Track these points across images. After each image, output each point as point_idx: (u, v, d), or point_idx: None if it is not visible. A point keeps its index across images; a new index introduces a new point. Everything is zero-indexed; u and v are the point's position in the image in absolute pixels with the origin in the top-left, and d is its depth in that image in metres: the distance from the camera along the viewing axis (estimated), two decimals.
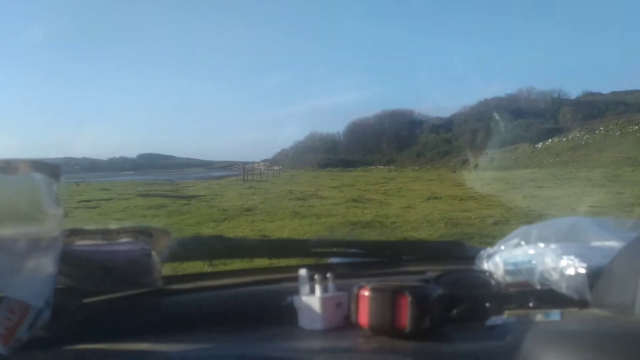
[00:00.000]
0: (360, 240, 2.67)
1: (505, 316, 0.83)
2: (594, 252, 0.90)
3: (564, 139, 48.82)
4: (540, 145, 48.88)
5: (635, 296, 0.68)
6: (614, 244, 0.94)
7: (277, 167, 57.80)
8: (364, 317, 0.80)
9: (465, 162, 51.07)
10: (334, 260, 1.40)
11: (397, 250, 1.45)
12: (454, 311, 0.84)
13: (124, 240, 0.94)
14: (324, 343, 0.82)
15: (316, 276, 0.88)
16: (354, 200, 13.46)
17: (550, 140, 50.05)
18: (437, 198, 16.19)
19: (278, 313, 0.91)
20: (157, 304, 1.00)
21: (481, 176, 30.61)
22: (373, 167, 67.64)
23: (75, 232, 0.90)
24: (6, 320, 0.74)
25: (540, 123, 74.03)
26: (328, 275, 0.89)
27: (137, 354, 0.78)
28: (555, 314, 0.79)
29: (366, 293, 0.80)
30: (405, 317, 0.75)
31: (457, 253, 1.40)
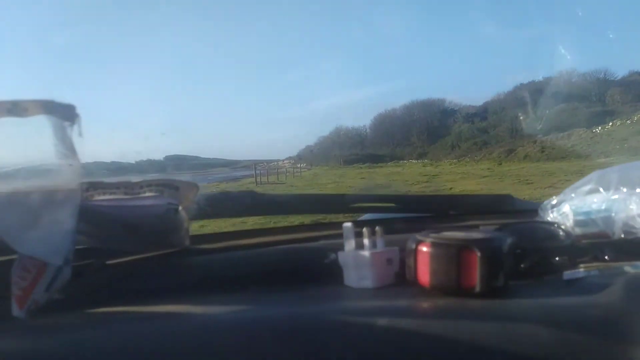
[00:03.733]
0: (403, 195, 2.10)
1: (583, 269, 0.74)
2: None
3: (628, 122, 42.51)
4: (599, 129, 42.65)
5: None
6: None
7: (299, 165, 53.48)
8: (424, 275, 0.68)
9: (511, 152, 45.30)
10: (368, 216, 1.30)
11: (443, 204, 1.35)
12: (522, 265, 0.74)
13: (149, 194, 0.86)
14: (378, 302, 0.70)
15: (364, 230, 0.77)
16: None
17: (610, 124, 43.78)
18: None
19: (321, 271, 0.81)
20: (186, 264, 0.91)
21: (546, 168, 25.17)
22: (404, 161, 62.21)
23: (94, 186, 0.83)
24: (20, 279, 0.68)
25: (587, 106, 68.41)
26: (377, 228, 0.79)
27: (166, 316, 0.67)
28: None
29: (425, 249, 0.69)
30: (475, 275, 0.64)
31: (510, 207, 1.29)
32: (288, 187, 23.04)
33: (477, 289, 0.63)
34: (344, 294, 0.75)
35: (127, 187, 0.85)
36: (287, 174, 37.10)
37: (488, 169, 30.00)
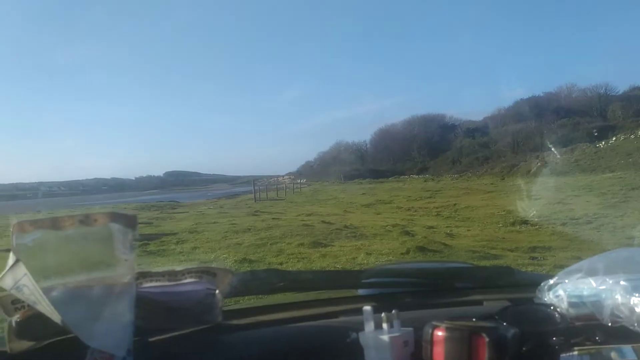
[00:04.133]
0: (409, 269, 1.88)
1: (577, 353, 0.81)
2: None
3: (631, 136, 42.00)
4: (602, 144, 42.15)
5: None
6: None
7: (299, 181, 52.96)
8: (439, 358, 0.78)
9: (513, 167, 44.75)
10: (362, 292, 1.39)
11: (447, 277, 1.43)
12: (524, 348, 0.82)
13: (189, 280, 0.96)
14: None
15: (383, 315, 0.86)
16: (419, 248, 7.38)
17: (614, 138, 43.29)
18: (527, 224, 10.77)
19: (343, 350, 0.91)
20: (219, 343, 0.99)
21: (552, 183, 24.61)
22: (405, 176, 61.60)
23: (142, 275, 0.92)
24: None
25: (588, 122, 68.03)
26: (394, 311, 0.88)
27: None
28: (628, 351, 0.78)
29: (440, 333, 0.78)
30: (483, 359, 0.74)
31: (508, 279, 1.37)
32: (288, 203, 22.54)
33: None
34: None
35: (171, 275, 0.94)
36: (287, 189, 36.60)
37: (491, 184, 29.47)
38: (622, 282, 0.91)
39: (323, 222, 11.62)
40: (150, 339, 0.94)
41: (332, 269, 6.07)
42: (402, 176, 62.72)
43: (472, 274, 1.57)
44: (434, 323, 0.80)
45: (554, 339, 0.86)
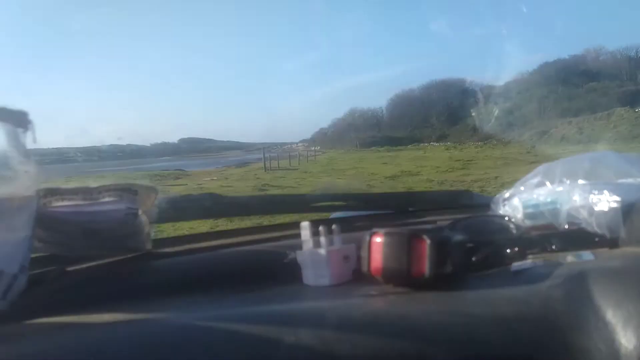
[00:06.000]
0: (364, 193, 2.01)
1: (530, 260, 0.76)
2: (626, 187, 0.83)
3: None
4: None
5: None
6: None
7: (313, 149, 50.56)
8: (376, 264, 0.71)
9: (544, 133, 41.69)
10: (336, 215, 1.34)
11: (404, 201, 1.38)
12: (473, 258, 0.77)
13: (107, 199, 0.86)
14: (331, 300, 0.71)
15: (321, 228, 0.79)
16: None
17: None
18: None
19: (280, 271, 0.83)
20: (147, 268, 0.92)
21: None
22: (425, 144, 58.85)
23: (52, 192, 0.83)
24: None
25: (618, 85, 64.40)
26: (334, 227, 0.81)
27: (127, 322, 0.67)
28: (587, 255, 0.74)
29: (379, 239, 0.72)
30: (424, 262, 0.68)
31: (467, 202, 1.32)
32: (301, 174, 20.16)
33: (427, 274, 0.66)
34: (300, 292, 0.75)
35: (86, 192, 0.84)
36: (301, 158, 34.20)
37: (527, 152, 26.68)
38: (580, 182, 0.87)
39: None
40: (69, 269, 0.85)
41: None
42: (422, 143, 60.16)
43: (428, 197, 1.50)
44: (373, 230, 0.73)
45: (508, 249, 0.81)
